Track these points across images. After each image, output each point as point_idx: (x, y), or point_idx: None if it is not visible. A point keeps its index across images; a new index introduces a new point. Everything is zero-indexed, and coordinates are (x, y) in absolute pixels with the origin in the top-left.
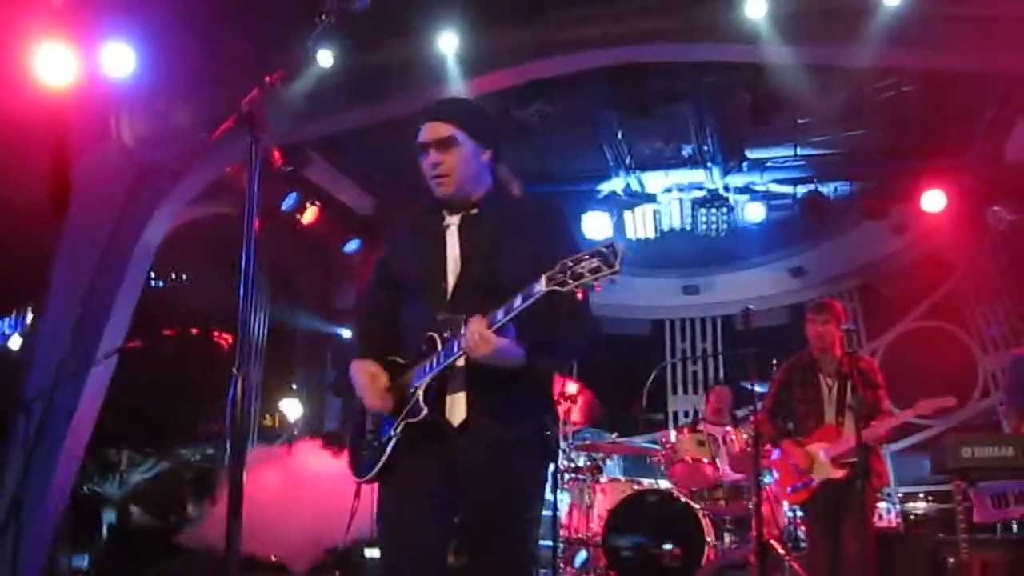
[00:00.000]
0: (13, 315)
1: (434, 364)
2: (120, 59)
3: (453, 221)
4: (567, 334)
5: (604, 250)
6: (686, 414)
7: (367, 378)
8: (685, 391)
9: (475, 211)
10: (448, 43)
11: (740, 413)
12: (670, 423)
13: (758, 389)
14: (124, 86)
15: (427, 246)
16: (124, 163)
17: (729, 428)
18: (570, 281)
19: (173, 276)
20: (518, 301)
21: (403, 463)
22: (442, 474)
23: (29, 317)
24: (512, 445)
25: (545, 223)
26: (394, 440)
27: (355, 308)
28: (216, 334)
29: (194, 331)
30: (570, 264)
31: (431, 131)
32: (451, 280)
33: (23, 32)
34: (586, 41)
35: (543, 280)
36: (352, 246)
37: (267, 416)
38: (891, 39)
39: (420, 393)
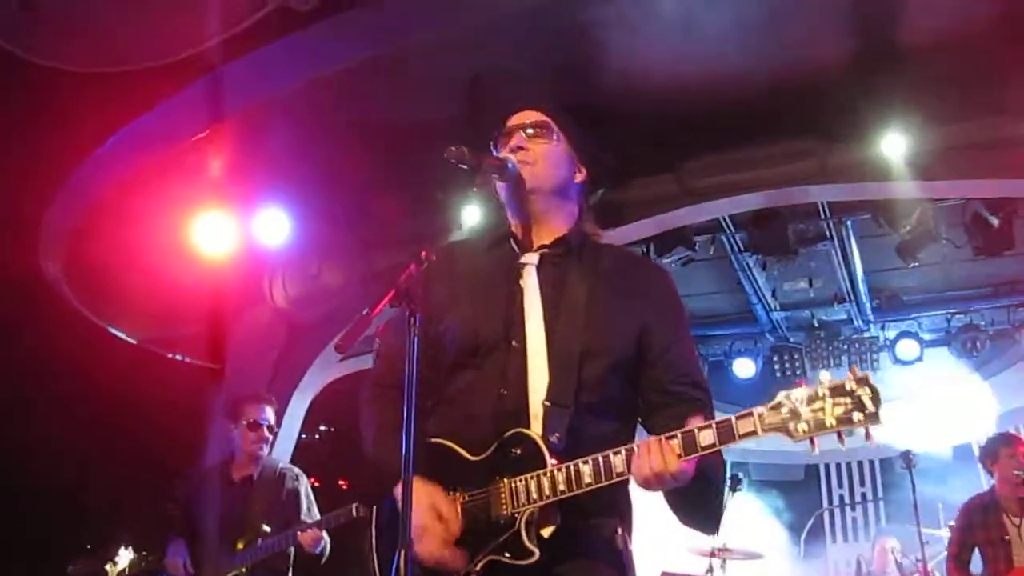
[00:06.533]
0: None
1: (546, 485)
2: (275, 226)
3: (530, 260)
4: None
5: (853, 388)
6: (847, 563)
7: (429, 516)
8: (845, 539)
9: (560, 250)
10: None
11: (906, 562)
12: (830, 573)
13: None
14: (278, 250)
15: (490, 290)
16: (277, 324)
17: None
18: (803, 426)
19: (321, 428)
20: (711, 436)
21: None
22: None
23: None
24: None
25: (654, 282)
26: None
27: (375, 373)
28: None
29: (342, 484)
30: (797, 401)
31: (522, 116)
32: (533, 346)
33: (184, 204)
34: (723, 188)
35: (756, 419)
36: None
37: None
38: None
39: (523, 525)
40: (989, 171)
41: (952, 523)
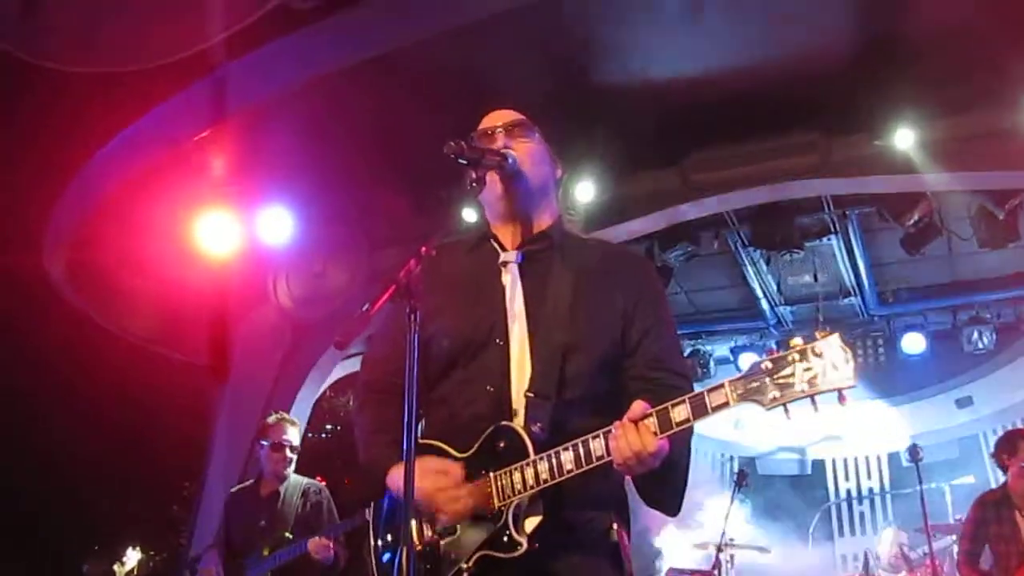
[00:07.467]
0: None
1: (529, 475)
2: (278, 225)
3: (512, 258)
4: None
5: (823, 351)
6: (855, 557)
7: (433, 481)
8: (852, 533)
9: (542, 246)
10: (585, 192)
11: (914, 555)
12: (837, 567)
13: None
14: (282, 249)
15: (474, 291)
16: (282, 324)
17: (905, 573)
18: (774, 394)
19: (327, 427)
20: (685, 411)
21: None
22: None
23: None
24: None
25: (634, 272)
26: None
27: (364, 379)
28: None
29: (347, 483)
30: (767, 369)
31: (498, 116)
32: (516, 342)
33: (187, 204)
34: (726, 183)
35: (727, 389)
36: None
37: None
38: None
39: (510, 517)
40: (993, 163)
41: (960, 518)
